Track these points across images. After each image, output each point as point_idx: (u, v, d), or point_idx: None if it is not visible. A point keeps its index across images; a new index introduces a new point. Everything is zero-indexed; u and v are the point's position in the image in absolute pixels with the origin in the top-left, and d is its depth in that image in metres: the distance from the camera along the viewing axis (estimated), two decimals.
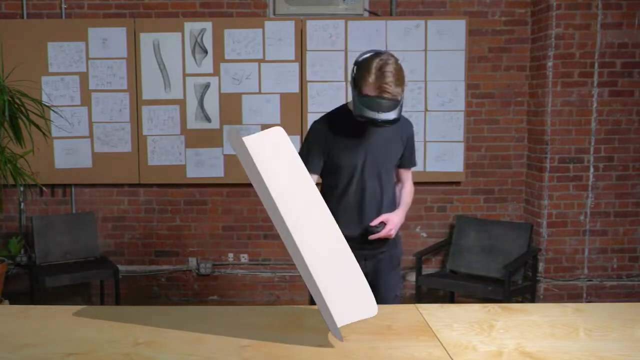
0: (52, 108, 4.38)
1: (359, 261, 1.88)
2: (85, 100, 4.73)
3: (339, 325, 1.71)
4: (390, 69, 2.39)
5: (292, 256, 1.80)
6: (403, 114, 2.56)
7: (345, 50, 4.69)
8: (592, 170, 4.63)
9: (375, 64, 2.40)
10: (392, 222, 2.60)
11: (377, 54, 2.46)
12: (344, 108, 2.67)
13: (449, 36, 4.68)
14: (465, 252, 4.67)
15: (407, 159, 2.77)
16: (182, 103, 4.74)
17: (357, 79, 2.45)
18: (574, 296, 4.70)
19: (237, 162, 1.94)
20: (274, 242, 4.88)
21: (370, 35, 4.67)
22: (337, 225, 1.87)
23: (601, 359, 1.67)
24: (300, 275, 1.84)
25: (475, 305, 2.16)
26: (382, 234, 2.58)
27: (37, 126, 4.09)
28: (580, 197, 4.64)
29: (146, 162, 4.78)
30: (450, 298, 4.74)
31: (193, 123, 4.75)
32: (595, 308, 2.14)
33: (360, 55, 2.50)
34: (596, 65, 4.54)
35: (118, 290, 4.50)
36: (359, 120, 2.47)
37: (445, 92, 4.74)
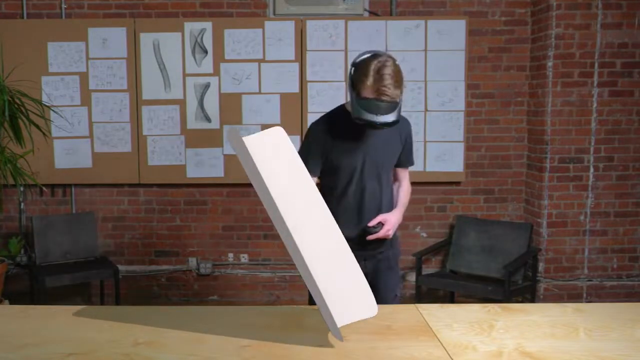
0: (52, 108, 4.38)
1: (358, 262, 1.88)
2: (85, 100, 4.73)
3: (339, 325, 1.71)
4: (388, 71, 2.37)
5: (292, 256, 1.80)
6: (402, 113, 2.56)
7: (345, 50, 4.69)
8: (592, 170, 4.63)
9: (374, 66, 2.38)
10: (390, 222, 2.59)
11: (374, 55, 2.43)
12: (342, 109, 2.66)
13: (449, 36, 4.68)
14: (465, 252, 4.67)
15: (405, 158, 2.76)
16: (182, 103, 4.74)
17: (355, 81, 2.43)
18: (574, 296, 4.70)
19: (237, 162, 1.94)
20: (274, 242, 4.88)
21: (370, 35, 4.67)
22: (337, 226, 1.87)
23: (601, 359, 1.67)
24: (300, 275, 1.84)
25: (475, 305, 2.16)
26: (381, 234, 2.57)
27: (37, 126, 4.09)
28: (580, 197, 4.64)
29: (146, 162, 4.78)
30: (450, 298, 4.74)
31: (193, 123, 4.75)
32: (595, 308, 2.14)
33: (358, 57, 2.48)
34: (596, 65, 4.54)
35: (118, 290, 4.50)
36: (358, 123, 2.45)
37: (445, 92, 4.74)
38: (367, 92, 2.39)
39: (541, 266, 4.67)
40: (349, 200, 2.62)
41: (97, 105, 4.74)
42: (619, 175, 4.65)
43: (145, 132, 4.76)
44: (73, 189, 4.87)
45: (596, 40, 4.51)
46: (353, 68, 2.47)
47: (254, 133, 1.85)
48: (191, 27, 4.69)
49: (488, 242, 4.61)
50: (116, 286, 4.49)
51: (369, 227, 2.57)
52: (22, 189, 4.69)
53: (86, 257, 4.73)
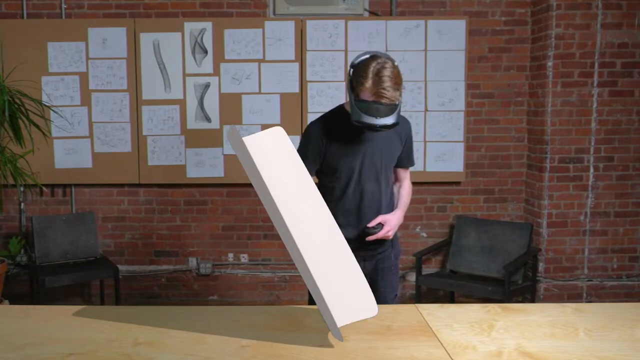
0: (52, 108, 4.38)
1: (358, 262, 1.88)
2: (85, 100, 4.73)
3: (339, 325, 1.71)
4: (387, 73, 2.35)
5: (292, 256, 1.80)
6: (402, 113, 2.55)
7: (345, 50, 4.69)
8: (592, 170, 4.63)
9: (372, 68, 2.36)
10: (390, 223, 2.58)
11: (373, 57, 2.41)
12: (341, 109, 2.64)
13: (449, 36, 4.68)
14: (465, 252, 4.67)
15: (405, 158, 2.75)
16: (182, 103, 4.74)
17: (354, 84, 2.42)
18: (574, 296, 4.70)
19: (237, 162, 1.94)
20: (274, 242, 4.88)
21: (370, 35, 4.66)
22: (337, 225, 1.87)
23: (601, 359, 1.67)
24: (300, 275, 1.84)
25: (475, 305, 2.16)
26: (380, 235, 2.56)
27: (37, 126, 4.09)
28: (580, 197, 4.64)
29: (146, 162, 4.78)
30: (450, 298, 4.74)
31: (193, 123, 4.75)
32: (595, 308, 2.14)
33: (357, 58, 2.46)
34: (596, 65, 4.54)
35: (118, 290, 4.50)
36: (357, 126, 2.44)
37: (445, 92, 4.74)
38: (366, 95, 2.38)
39: (541, 266, 4.67)
40: (348, 201, 2.61)
41: (97, 105, 4.74)
42: (619, 175, 4.65)
43: (145, 132, 4.76)
44: (73, 189, 4.87)
45: (596, 40, 4.51)
46: (352, 70, 2.45)
47: (254, 133, 1.85)
48: (191, 27, 4.69)
49: (488, 242, 4.61)
50: (116, 286, 4.49)
51: (369, 227, 2.57)
52: (22, 189, 4.69)
53: (86, 257, 4.73)
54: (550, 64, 4.52)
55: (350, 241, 1.95)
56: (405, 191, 2.79)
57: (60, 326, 1.90)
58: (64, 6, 4.73)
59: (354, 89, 2.43)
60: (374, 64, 2.38)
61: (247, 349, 1.72)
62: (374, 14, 4.78)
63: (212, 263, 4.94)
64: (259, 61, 4.72)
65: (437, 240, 4.90)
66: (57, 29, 4.66)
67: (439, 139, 4.78)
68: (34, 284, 4.61)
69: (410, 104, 4.65)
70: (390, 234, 2.60)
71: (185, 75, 4.72)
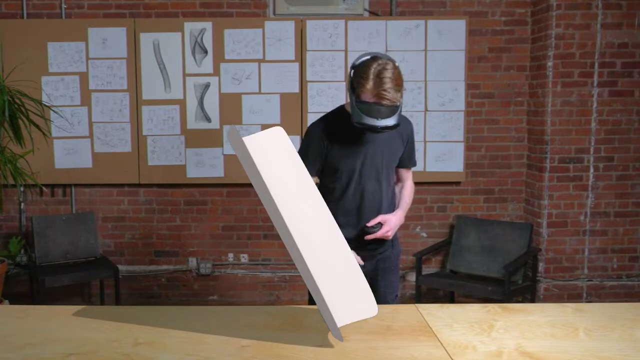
0: (52, 108, 4.38)
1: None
2: (85, 100, 4.73)
3: (339, 325, 1.71)
4: (388, 74, 2.35)
5: (292, 256, 1.80)
6: (403, 113, 2.55)
7: (345, 50, 4.69)
8: (592, 170, 4.63)
9: (373, 69, 2.36)
10: (389, 223, 2.58)
11: (374, 58, 2.41)
12: (342, 109, 2.64)
13: (449, 36, 4.68)
14: (465, 252, 4.67)
15: (407, 159, 2.75)
16: (182, 103, 4.74)
17: (355, 85, 2.41)
18: (574, 296, 4.70)
19: (237, 162, 1.94)
20: (274, 242, 4.88)
21: (370, 35, 4.66)
22: (337, 225, 1.87)
23: (601, 359, 1.67)
24: (300, 275, 1.84)
25: (475, 305, 2.16)
26: (379, 234, 2.56)
27: (37, 126, 4.09)
28: (580, 197, 4.64)
29: (146, 162, 4.78)
30: (450, 298, 4.74)
31: (193, 123, 4.75)
32: (595, 308, 2.14)
33: (358, 59, 2.45)
34: (596, 65, 4.54)
35: (118, 290, 4.50)
36: (358, 127, 2.43)
37: (445, 92, 4.74)
38: (367, 96, 2.38)
39: (541, 266, 4.67)
40: (348, 201, 2.61)
41: (97, 105, 4.74)
42: (619, 175, 4.65)
43: (145, 132, 4.76)
44: (73, 189, 4.87)
45: (596, 40, 4.51)
46: (353, 71, 2.44)
47: (254, 133, 1.85)
48: (191, 27, 4.69)
49: (488, 242, 4.61)
50: (116, 286, 4.49)
51: (368, 227, 2.56)
52: (22, 189, 4.69)
53: (86, 257, 4.73)
54: (550, 64, 4.52)
55: (350, 241, 1.96)
56: (406, 191, 2.78)
57: (60, 326, 1.90)
58: (64, 6, 4.73)
59: (354, 90, 2.42)
60: (375, 65, 2.37)
61: (247, 349, 1.72)
62: (374, 14, 4.78)
63: (212, 263, 4.94)
64: (259, 61, 4.72)
65: (437, 240, 4.90)
66: (57, 29, 4.66)
67: (439, 139, 4.78)
68: (34, 284, 4.61)
69: (410, 104, 4.65)
70: (390, 234, 2.60)
71: (185, 75, 4.73)
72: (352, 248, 1.87)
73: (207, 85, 4.73)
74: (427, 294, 4.80)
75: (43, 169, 4.62)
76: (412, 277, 4.77)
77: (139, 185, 4.85)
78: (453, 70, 4.71)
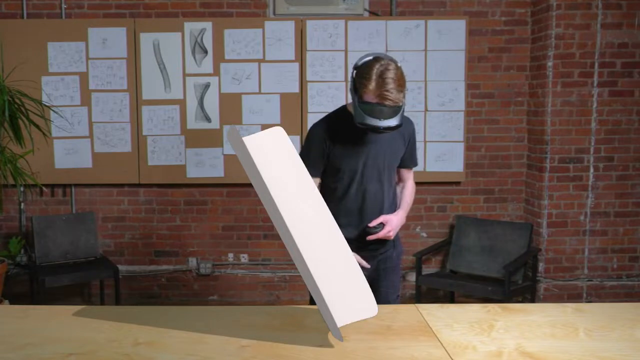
0: (52, 108, 4.38)
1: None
2: (85, 100, 4.73)
3: (339, 325, 1.71)
4: (391, 75, 2.35)
5: (292, 256, 1.80)
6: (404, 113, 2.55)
7: (345, 50, 4.69)
8: (592, 170, 4.63)
9: (376, 70, 2.36)
10: (391, 223, 2.58)
11: (376, 58, 2.41)
12: (344, 109, 2.65)
13: (449, 36, 4.68)
14: (465, 252, 4.67)
15: (408, 159, 2.75)
16: (182, 103, 4.74)
17: (357, 85, 2.42)
18: (574, 296, 4.70)
19: (237, 162, 1.94)
20: (274, 242, 4.88)
21: (370, 35, 4.66)
22: (337, 225, 1.87)
23: (601, 359, 1.67)
24: (300, 275, 1.84)
25: (475, 305, 2.16)
26: (381, 234, 2.56)
27: (37, 126, 4.09)
28: (580, 197, 4.64)
29: (146, 162, 4.78)
30: (450, 298, 4.74)
31: (193, 123, 4.75)
32: (595, 308, 2.14)
33: (360, 60, 2.46)
34: (596, 65, 4.54)
35: (118, 290, 4.50)
36: (361, 127, 2.44)
37: (445, 92, 4.74)
38: (370, 96, 2.38)
39: (541, 266, 4.67)
40: (350, 201, 2.62)
41: (97, 105, 4.74)
42: (619, 175, 4.65)
43: (145, 132, 4.76)
44: (73, 189, 4.87)
45: (596, 40, 4.51)
46: (355, 71, 2.45)
47: (254, 133, 1.85)
48: (191, 27, 4.69)
49: (488, 242, 4.61)
50: (116, 286, 4.49)
51: (369, 227, 2.57)
52: (22, 189, 4.69)
53: (86, 257, 4.73)
54: (550, 64, 4.52)
55: (351, 241, 1.96)
56: (408, 192, 2.78)
57: (60, 326, 1.90)
58: (64, 6, 4.73)
59: (357, 91, 2.42)
60: (377, 66, 2.38)
61: (247, 349, 1.72)
62: (374, 14, 4.78)
63: (212, 263, 4.94)
64: (259, 61, 4.72)
65: (437, 240, 4.90)
66: (57, 29, 4.66)
67: (439, 139, 4.78)
68: (34, 284, 4.61)
69: (410, 104, 4.65)
70: (392, 234, 2.60)
71: (185, 75, 4.73)
72: (353, 248, 1.87)
73: (207, 85, 4.73)
74: (427, 294, 4.80)
75: (43, 169, 4.62)
76: (412, 277, 4.77)
77: (139, 185, 4.85)
78: (453, 70, 4.71)
